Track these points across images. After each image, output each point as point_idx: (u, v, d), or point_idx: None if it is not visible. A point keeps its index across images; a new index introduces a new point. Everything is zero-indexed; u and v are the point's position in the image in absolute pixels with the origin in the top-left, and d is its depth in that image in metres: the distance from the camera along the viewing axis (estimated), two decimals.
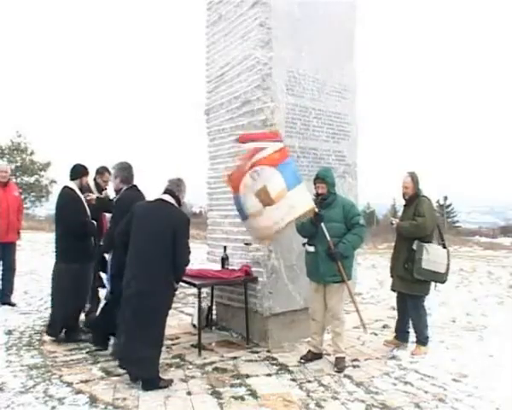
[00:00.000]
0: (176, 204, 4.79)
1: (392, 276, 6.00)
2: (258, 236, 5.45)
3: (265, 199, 5.05)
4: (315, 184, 5.31)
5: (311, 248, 5.25)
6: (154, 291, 4.49)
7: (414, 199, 5.70)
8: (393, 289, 6.02)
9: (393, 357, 5.53)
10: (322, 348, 5.45)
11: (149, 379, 4.51)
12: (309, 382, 4.75)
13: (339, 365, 5.16)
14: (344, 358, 5.26)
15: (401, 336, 5.98)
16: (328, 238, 5.05)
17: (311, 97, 6.18)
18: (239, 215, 5.49)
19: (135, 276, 4.48)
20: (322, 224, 5.07)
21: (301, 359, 5.34)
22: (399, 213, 6.38)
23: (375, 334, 6.53)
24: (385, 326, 6.93)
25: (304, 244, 5.39)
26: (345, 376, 4.92)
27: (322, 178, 5.23)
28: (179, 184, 4.89)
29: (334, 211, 5.18)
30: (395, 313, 7.73)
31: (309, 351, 5.43)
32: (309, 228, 5.19)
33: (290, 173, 5.08)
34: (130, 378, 4.58)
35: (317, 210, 5.08)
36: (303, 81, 6.11)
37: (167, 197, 4.76)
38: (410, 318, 5.85)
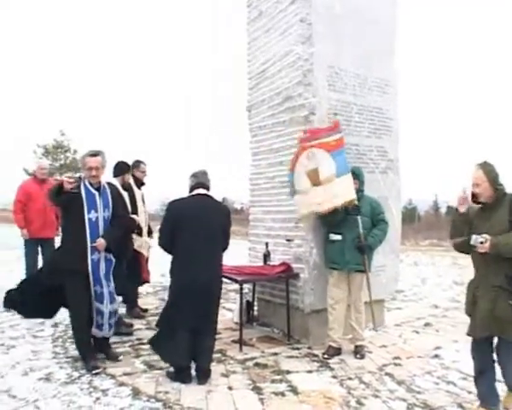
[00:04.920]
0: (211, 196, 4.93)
1: (470, 315, 4.01)
2: (300, 212, 5.62)
3: (314, 179, 5.35)
4: None
5: (338, 237, 5.43)
6: (217, 282, 4.77)
7: (499, 200, 3.86)
8: (471, 335, 3.99)
9: (436, 356, 5.44)
10: (341, 342, 5.48)
11: (210, 370, 4.70)
12: (350, 379, 4.72)
13: (360, 352, 5.40)
14: (364, 346, 5.51)
15: (493, 401, 3.99)
16: (361, 231, 5.28)
17: (352, 93, 6.11)
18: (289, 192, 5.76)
19: (200, 272, 4.54)
20: (359, 217, 5.29)
21: (324, 354, 5.37)
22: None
23: (417, 332, 6.44)
24: (427, 324, 6.83)
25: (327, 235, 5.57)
26: (386, 374, 4.87)
27: (357, 174, 5.47)
28: (207, 175, 4.96)
29: (362, 206, 5.41)
30: (437, 311, 7.68)
31: (330, 346, 5.45)
32: (339, 216, 5.35)
33: (341, 162, 5.33)
34: (184, 376, 4.56)
35: (356, 202, 5.29)
36: (344, 76, 6.04)
37: (205, 191, 4.84)
38: (502, 366, 3.93)
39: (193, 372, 4.62)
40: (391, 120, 6.53)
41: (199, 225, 4.60)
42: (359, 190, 5.44)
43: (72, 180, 4.55)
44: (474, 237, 3.78)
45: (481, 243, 3.73)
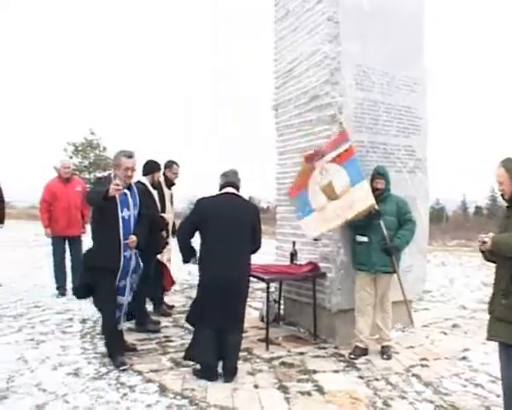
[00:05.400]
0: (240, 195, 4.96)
1: (490, 313, 3.74)
2: (315, 229, 5.59)
3: (330, 194, 5.36)
4: (374, 179, 5.46)
5: (364, 238, 5.41)
6: (244, 279, 4.78)
7: None
8: (491, 339, 3.69)
9: (464, 358, 5.38)
10: (368, 342, 5.46)
11: (236, 368, 4.69)
12: (376, 380, 4.69)
13: (387, 352, 5.37)
14: (390, 346, 5.47)
15: None
16: (386, 233, 5.25)
17: (380, 91, 6.06)
18: (297, 212, 5.71)
19: (228, 269, 4.56)
20: (381, 221, 5.25)
21: (350, 354, 5.35)
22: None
23: (445, 333, 6.38)
24: (454, 326, 6.76)
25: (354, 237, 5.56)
26: (413, 375, 4.83)
27: (383, 174, 5.46)
28: (237, 174, 5.00)
29: (388, 206, 5.40)
30: (465, 313, 7.59)
31: (356, 347, 5.42)
32: (361, 220, 5.34)
33: (354, 170, 5.31)
34: (210, 374, 4.58)
35: (377, 207, 5.26)
36: (372, 75, 5.99)
37: (233, 190, 4.87)
38: (502, 376, 3.71)
39: (219, 370, 4.65)
40: (419, 118, 6.46)
41: (227, 223, 4.63)
42: (385, 190, 5.43)
43: (120, 187, 4.63)
44: (480, 236, 3.55)
45: (484, 241, 3.49)
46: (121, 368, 4.73)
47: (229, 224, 4.63)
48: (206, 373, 4.57)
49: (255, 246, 4.89)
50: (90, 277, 4.92)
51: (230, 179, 4.91)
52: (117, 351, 4.93)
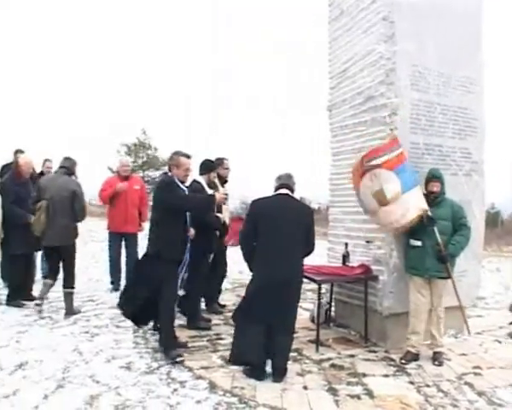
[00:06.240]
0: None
1: None
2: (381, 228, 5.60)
3: (381, 200, 5.26)
4: (429, 182, 5.39)
5: (418, 243, 5.33)
6: (296, 279, 4.77)
7: None
8: None
9: None
10: (419, 347, 5.37)
11: (286, 369, 4.68)
12: (427, 386, 4.61)
13: (439, 359, 5.27)
14: (442, 353, 5.36)
15: None
16: (440, 240, 5.17)
17: (436, 92, 5.94)
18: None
19: (280, 268, 4.59)
20: (435, 227, 5.17)
21: (401, 359, 5.27)
22: None
23: (499, 342, 6.19)
24: (510, 334, 6.54)
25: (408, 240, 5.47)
26: (465, 383, 4.71)
27: (439, 176, 5.38)
28: (292, 178, 5.02)
29: (443, 210, 5.31)
30: None
31: (408, 351, 5.34)
32: (415, 225, 5.25)
33: (406, 176, 5.22)
34: (258, 373, 4.60)
35: (430, 213, 5.19)
36: (428, 76, 5.89)
37: (288, 191, 4.90)
38: None
39: (268, 369, 4.66)
40: (476, 120, 6.31)
41: (281, 223, 4.66)
42: (441, 193, 5.35)
43: (226, 196, 5.24)
44: None
45: None
46: (177, 360, 4.86)
47: (283, 224, 4.66)
48: (256, 373, 4.60)
49: (309, 248, 4.86)
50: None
51: (284, 181, 4.94)
52: (174, 343, 5.10)
